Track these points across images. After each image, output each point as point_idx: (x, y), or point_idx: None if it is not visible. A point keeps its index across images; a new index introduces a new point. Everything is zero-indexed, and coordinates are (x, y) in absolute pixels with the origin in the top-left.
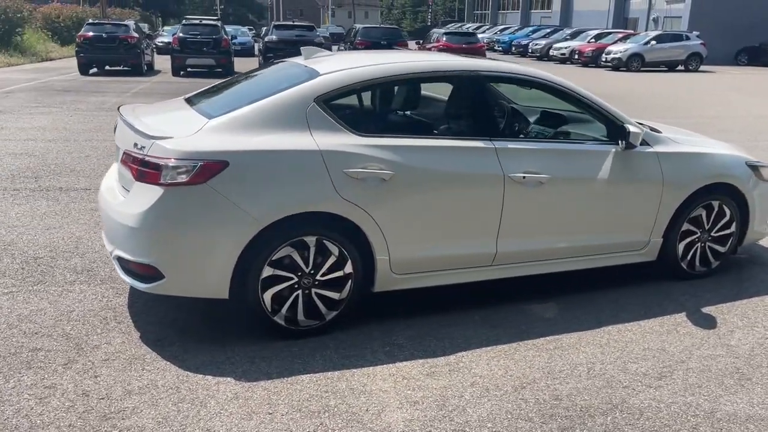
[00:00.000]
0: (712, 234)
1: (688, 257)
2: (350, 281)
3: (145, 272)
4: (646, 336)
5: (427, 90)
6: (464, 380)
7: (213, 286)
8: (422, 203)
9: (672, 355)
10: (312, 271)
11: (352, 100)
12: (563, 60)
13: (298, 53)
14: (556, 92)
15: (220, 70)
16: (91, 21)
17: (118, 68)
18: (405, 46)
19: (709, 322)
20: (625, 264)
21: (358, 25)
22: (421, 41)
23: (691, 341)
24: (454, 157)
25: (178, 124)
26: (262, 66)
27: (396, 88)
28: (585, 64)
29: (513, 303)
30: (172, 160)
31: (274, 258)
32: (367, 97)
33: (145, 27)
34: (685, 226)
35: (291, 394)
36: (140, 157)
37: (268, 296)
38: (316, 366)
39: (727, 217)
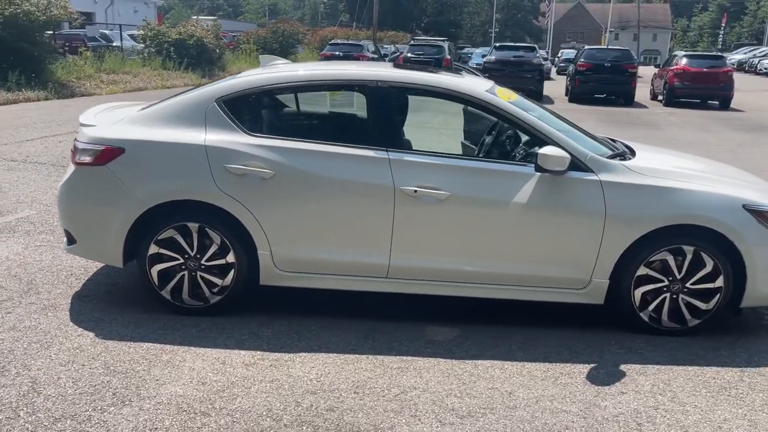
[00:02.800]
0: (687, 286)
1: (650, 308)
2: (233, 270)
3: (67, 236)
4: (512, 378)
5: (338, 97)
6: (270, 376)
7: (109, 255)
8: (304, 205)
9: (496, 399)
10: (197, 256)
11: (259, 103)
12: None
13: (515, 74)
14: (473, 105)
15: None
16: (331, 42)
17: None
18: (634, 68)
19: (608, 379)
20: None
21: (586, 47)
22: (659, 65)
23: (553, 391)
24: (340, 164)
25: (113, 118)
26: None
27: (302, 94)
28: None
29: (416, 321)
30: (82, 143)
31: (159, 238)
32: (282, 100)
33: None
34: (643, 271)
35: (117, 355)
36: (74, 141)
37: (155, 271)
38: (167, 338)
39: (709, 269)
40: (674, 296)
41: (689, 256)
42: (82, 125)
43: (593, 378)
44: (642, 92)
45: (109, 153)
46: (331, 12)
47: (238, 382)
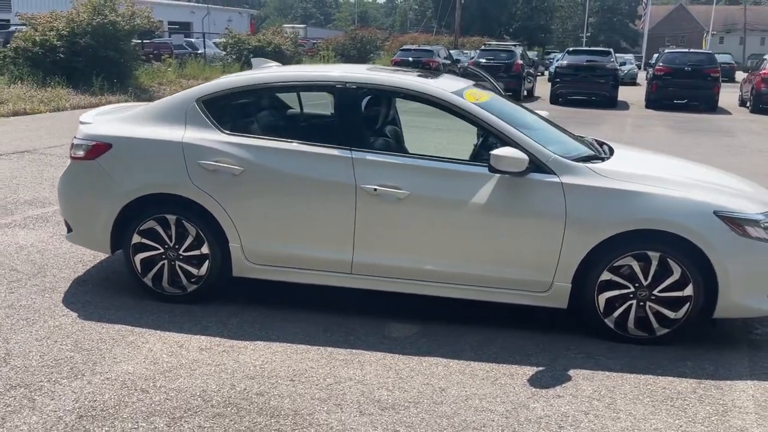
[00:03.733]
0: (655, 293)
1: (615, 315)
2: (207, 261)
3: (66, 225)
4: (451, 375)
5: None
6: (218, 360)
7: (99, 243)
8: (272, 201)
9: (425, 394)
10: (176, 246)
11: (234, 102)
12: None
13: (587, 79)
14: (435, 105)
15: (510, 93)
16: (404, 47)
17: None
18: (717, 73)
19: (550, 382)
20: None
21: (666, 50)
22: (750, 70)
23: (486, 391)
24: (306, 162)
25: (109, 117)
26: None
27: (275, 94)
28: None
29: (380, 317)
30: (78, 139)
31: (141, 228)
32: (256, 100)
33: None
34: (607, 276)
35: (89, 335)
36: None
37: (138, 260)
38: (140, 322)
39: (676, 276)
40: (641, 303)
41: (654, 263)
42: (81, 123)
43: (535, 381)
44: (731, 98)
45: (98, 148)
46: (420, 18)
47: (187, 364)
